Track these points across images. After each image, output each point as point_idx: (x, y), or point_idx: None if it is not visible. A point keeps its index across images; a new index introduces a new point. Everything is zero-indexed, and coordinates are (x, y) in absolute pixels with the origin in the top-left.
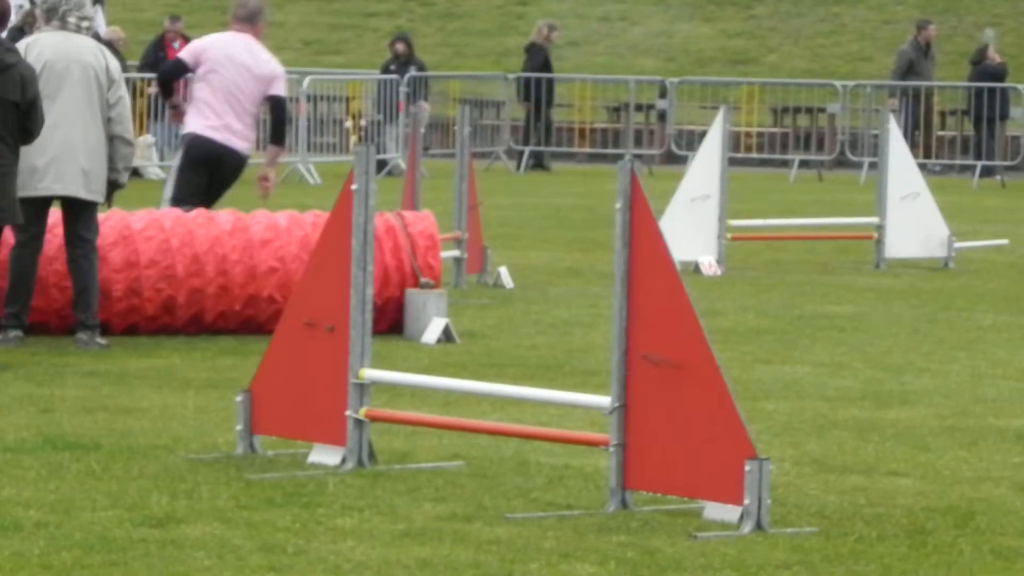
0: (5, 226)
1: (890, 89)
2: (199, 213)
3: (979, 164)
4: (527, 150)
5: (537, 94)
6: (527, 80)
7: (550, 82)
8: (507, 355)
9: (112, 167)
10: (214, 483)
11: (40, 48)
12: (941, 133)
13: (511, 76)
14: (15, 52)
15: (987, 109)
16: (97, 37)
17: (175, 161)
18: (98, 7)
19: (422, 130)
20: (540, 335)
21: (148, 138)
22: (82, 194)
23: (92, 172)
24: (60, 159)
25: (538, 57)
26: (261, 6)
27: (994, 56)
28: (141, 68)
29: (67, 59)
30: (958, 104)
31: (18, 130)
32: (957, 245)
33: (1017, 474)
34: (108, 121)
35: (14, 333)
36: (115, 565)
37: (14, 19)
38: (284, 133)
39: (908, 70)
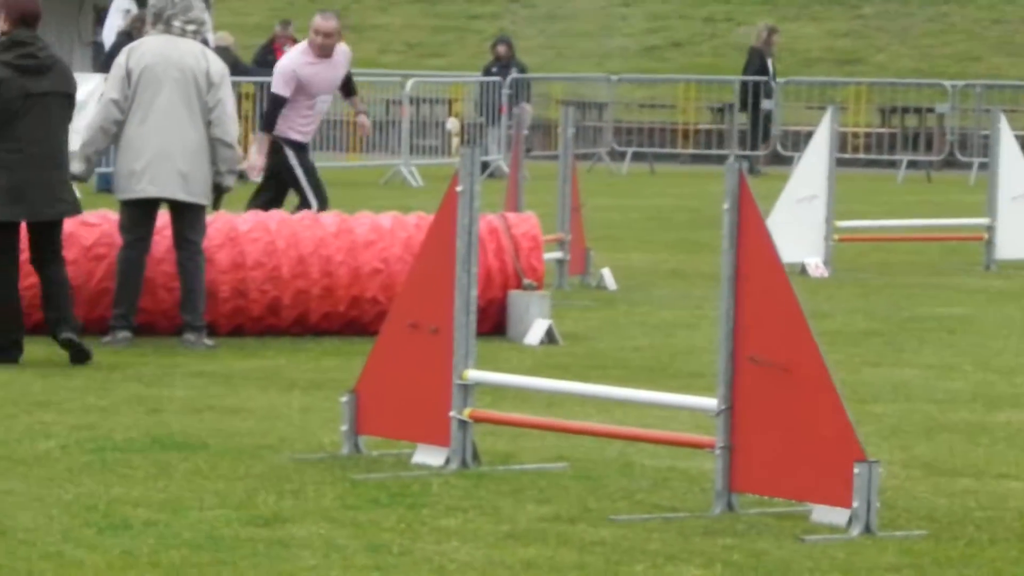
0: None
1: None
2: (305, 215)
3: None
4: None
5: (755, 98)
6: (745, 84)
7: (768, 85)
8: (610, 357)
9: (216, 170)
10: (320, 483)
11: (141, 52)
12: None
13: (614, 77)
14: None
15: None
16: (205, 42)
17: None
18: (207, 13)
19: (525, 132)
20: (644, 337)
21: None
22: (180, 196)
23: (191, 174)
24: (156, 162)
25: (756, 61)
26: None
27: None
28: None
29: (167, 62)
30: None
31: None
32: None
33: None
34: (208, 124)
35: (123, 334)
36: (223, 564)
37: (122, 24)
38: (265, 123)
39: None
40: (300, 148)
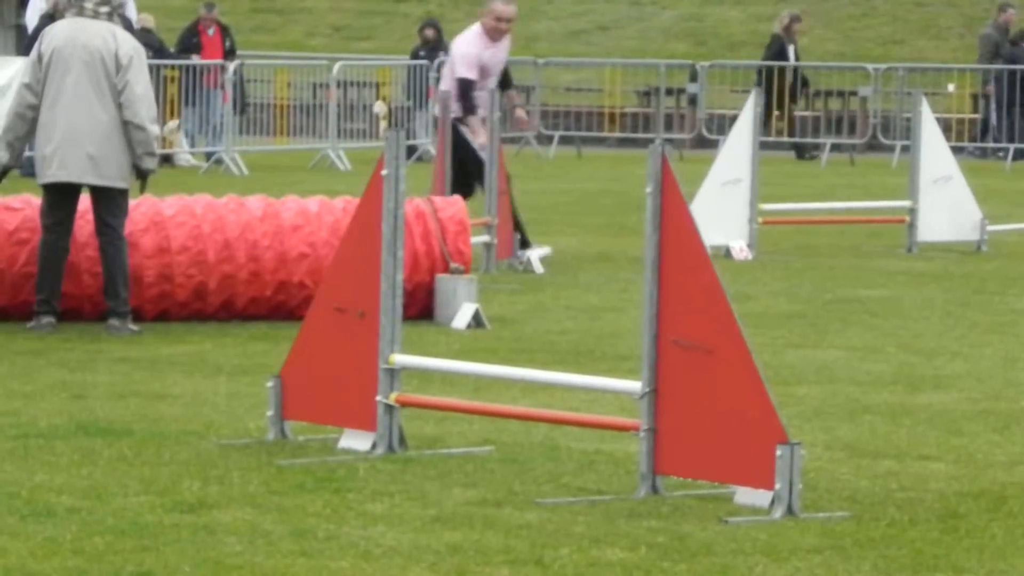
0: None
1: (984, 74)
2: (229, 199)
3: (1012, 147)
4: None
5: (780, 85)
6: (763, 69)
7: (794, 72)
8: (537, 340)
9: (134, 153)
10: (245, 468)
11: (52, 35)
12: (974, 116)
13: (541, 61)
14: None
15: (1020, 92)
16: (129, 26)
17: None
18: None
19: (452, 116)
20: (570, 320)
21: (172, 124)
22: (89, 179)
23: (102, 158)
24: (64, 146)
25: (775, 47)
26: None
27: None
28: (175, 54)
29: (74, 44)
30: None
31: None
32: (990, 228)
33: None
34: (119, 107)
35: (47, 319)
36: (147, 550)
37: (45, 6)
38: (465, 107)
39: (995, 54)
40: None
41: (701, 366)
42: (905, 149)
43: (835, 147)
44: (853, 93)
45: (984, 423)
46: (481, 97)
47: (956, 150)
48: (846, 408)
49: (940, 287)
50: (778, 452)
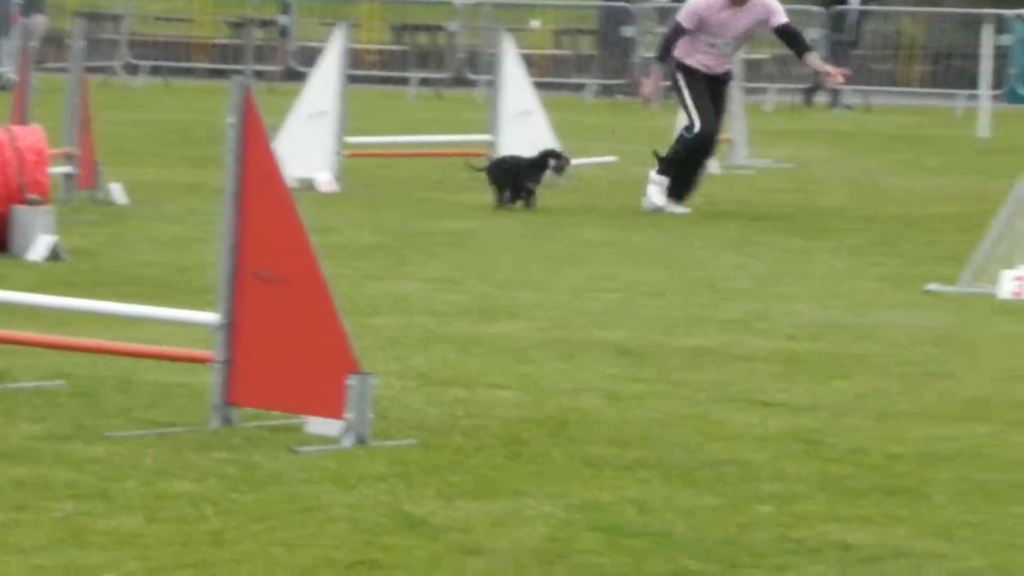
0: None
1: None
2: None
3: (596, 83)
4: None
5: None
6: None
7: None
8: (119, 273)
9: None
10: None
11: None
12: (558, 52)
13: None
14: None
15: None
16: None
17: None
18: None
19: (35, 43)
20: (153, 253)
21: None
22: None
23: None
24: None
25: None
26: None
27: None
28: None
29: None
30: (587, 24)
31: None
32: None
33: (611, 384)
34: None
35: None
36: None
37: None
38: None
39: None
40: (691, 73)
41: (278, 298)
42: (490, 84)
43: (424, 81)
44: (440, 28)
45: (552, 351)
46: (690, 47)
47: (539, 85)
48: (421, 338)
49: (518, 219)
50: (350, 382)
